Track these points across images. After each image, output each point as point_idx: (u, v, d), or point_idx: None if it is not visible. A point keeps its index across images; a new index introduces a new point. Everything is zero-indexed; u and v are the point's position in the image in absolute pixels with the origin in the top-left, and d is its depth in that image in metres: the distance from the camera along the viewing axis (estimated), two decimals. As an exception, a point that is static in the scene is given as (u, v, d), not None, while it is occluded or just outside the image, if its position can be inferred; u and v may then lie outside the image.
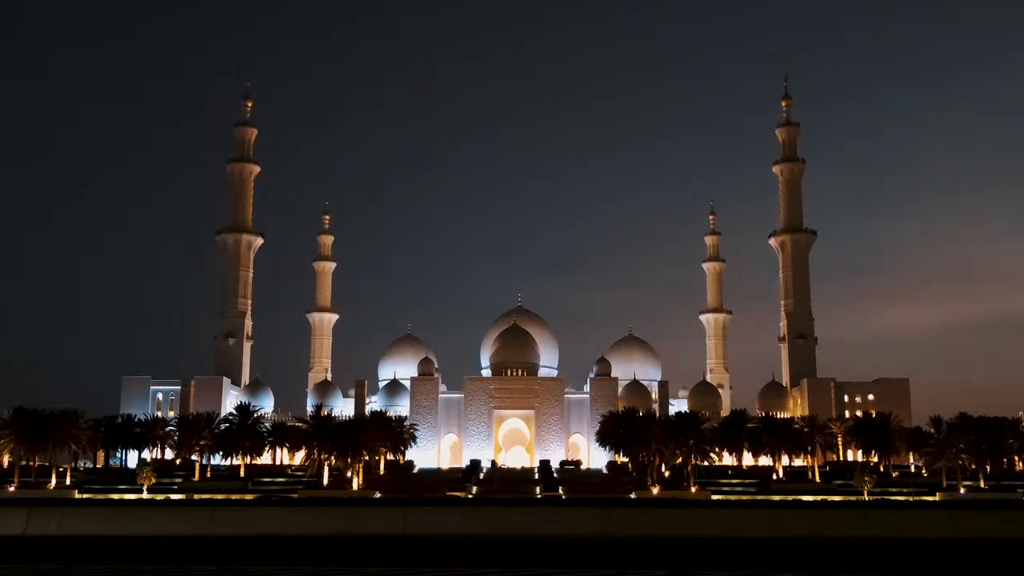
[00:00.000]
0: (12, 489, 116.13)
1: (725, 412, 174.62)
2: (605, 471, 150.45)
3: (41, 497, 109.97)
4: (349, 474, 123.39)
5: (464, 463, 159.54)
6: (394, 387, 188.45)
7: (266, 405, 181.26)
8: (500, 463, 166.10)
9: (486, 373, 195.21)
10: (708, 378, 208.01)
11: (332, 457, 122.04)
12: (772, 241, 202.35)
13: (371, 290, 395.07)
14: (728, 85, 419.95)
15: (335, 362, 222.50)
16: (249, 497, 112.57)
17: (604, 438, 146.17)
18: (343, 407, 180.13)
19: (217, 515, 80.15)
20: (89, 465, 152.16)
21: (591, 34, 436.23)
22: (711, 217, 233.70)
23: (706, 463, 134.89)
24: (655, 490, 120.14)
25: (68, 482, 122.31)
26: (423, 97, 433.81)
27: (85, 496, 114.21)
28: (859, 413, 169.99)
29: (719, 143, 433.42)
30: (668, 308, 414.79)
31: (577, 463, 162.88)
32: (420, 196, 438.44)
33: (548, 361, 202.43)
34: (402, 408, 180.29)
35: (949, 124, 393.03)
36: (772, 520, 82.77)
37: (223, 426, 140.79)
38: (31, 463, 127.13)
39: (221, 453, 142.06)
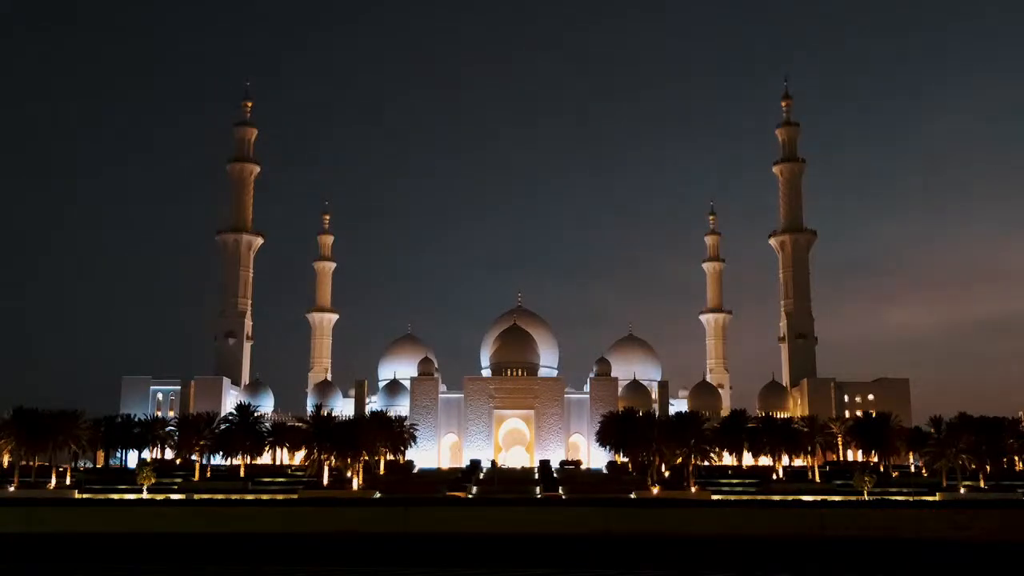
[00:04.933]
0: (12, 489, 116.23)
1: (725, 412, 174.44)
2: (605, 471, 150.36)
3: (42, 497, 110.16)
4: (349, 474, 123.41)
5: (464, 463, 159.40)
6: (394, 387, 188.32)
7: (266, 405, 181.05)
8: (500, 463, 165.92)
9: (486, 373, 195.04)
10: (708, 378, 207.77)
11: (332, 457, 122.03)
12: (772, 241, 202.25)
13: (371, 290, 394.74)
14: (728, 85, 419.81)
15: (335, 362, 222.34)
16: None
17: (604, 438, 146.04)
18: (343, 407, 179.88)
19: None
20: (89, 465, 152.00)
21: (591, 36, 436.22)
22: (711, 217, 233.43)
23: (706, 463, 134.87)
24: (655, 490, 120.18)
25: (68, 482, 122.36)
26: (424, 97, 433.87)
27: (85, 496, 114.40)
28: (859, 413, 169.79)
29: (719, 143, 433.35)
30: (668, 308, 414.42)
31: (577, 463, 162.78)
32: (420, 196, 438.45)
33: (548, 361, 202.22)
34: (402, 408, 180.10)
35: (949, 124, 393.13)
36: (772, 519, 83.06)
37: (223, 426, 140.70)
38: (31, 463, 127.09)
39: (221, 453, 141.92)
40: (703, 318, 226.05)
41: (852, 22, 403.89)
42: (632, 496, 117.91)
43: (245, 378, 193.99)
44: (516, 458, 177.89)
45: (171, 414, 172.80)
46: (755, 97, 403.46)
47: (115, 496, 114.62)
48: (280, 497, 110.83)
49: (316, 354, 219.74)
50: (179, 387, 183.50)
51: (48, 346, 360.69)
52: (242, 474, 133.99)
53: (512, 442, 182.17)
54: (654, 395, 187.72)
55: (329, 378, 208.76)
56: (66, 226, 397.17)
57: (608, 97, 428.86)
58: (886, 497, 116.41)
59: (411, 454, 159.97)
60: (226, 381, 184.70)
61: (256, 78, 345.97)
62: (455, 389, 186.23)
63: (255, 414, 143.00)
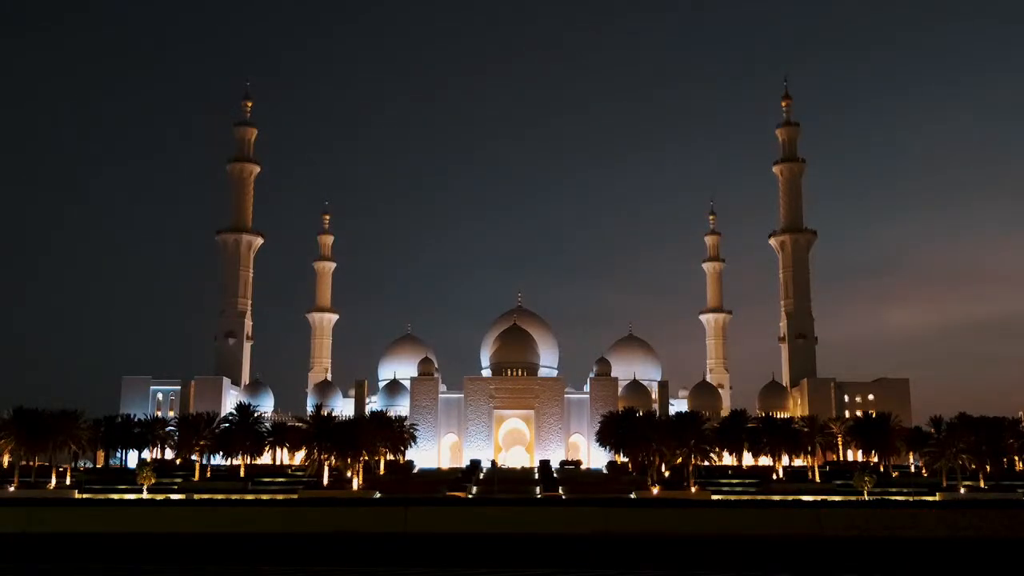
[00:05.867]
0: (12, 489, 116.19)
1: (725, 412, 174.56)
2: (605, 471, 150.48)
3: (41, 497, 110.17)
4: (349, 474, 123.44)
5: (464, 463, 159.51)
6: (394, 387, 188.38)
7: (266, 405, 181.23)
8: (500, 463, 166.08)
9: (486, 373, 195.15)
10: (708, 378, 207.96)
11: (332, 457, 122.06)
12: (772, 241, 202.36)
13: (371, 290, 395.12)
14: (728, 85, 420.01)
15: (335, 362, 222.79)
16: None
17: (604, 438, 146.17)
18: (343, 407, 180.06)
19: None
20: (89, 465, 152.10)
21: (591, 36, 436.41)
22: (711, 217, 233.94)
23: (706, 463, 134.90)
24: (655, 490, 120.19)
25: (68, 482, 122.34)
26: (424, 97, 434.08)
27: (85, 496, 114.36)
28: (859, 413, 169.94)
29: (719, 143, 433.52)
30: (668, 308, 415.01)
31: (577, 463, 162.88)
32: (420, 196, 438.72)
33: (548, 361, 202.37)
34: (402, 408, 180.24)
35: (950, 124, 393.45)
36: (772, 519, 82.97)
37: (223, 426, 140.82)
38: (31, 463, 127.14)
39: (221, 453, 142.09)
40: (703, 318, 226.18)
41: (852, 22, 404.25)
42: (632, 496, 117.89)
43: (245, 378, 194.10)
44: (516, 458, 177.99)
45: (171, 414, 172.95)
46: (755, 97, 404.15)
47: (115, 496, 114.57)
48: (280, 497, 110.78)
49: (316, 354, 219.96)
50: (179, 387, 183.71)
51: (48, 346, 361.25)
52: (242, 474, 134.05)
53: (512, 442, 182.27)
54: (654, 395, 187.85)
55: (329, 378, 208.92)
56: (66, 226, 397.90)
57: (608, 97, 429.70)
58: (886, 497, 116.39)
59: (411, 454, 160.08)
60: (226, 381, 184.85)
61: (256, 78, 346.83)
62: (455, 389, 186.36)
63: (255, 414, 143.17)
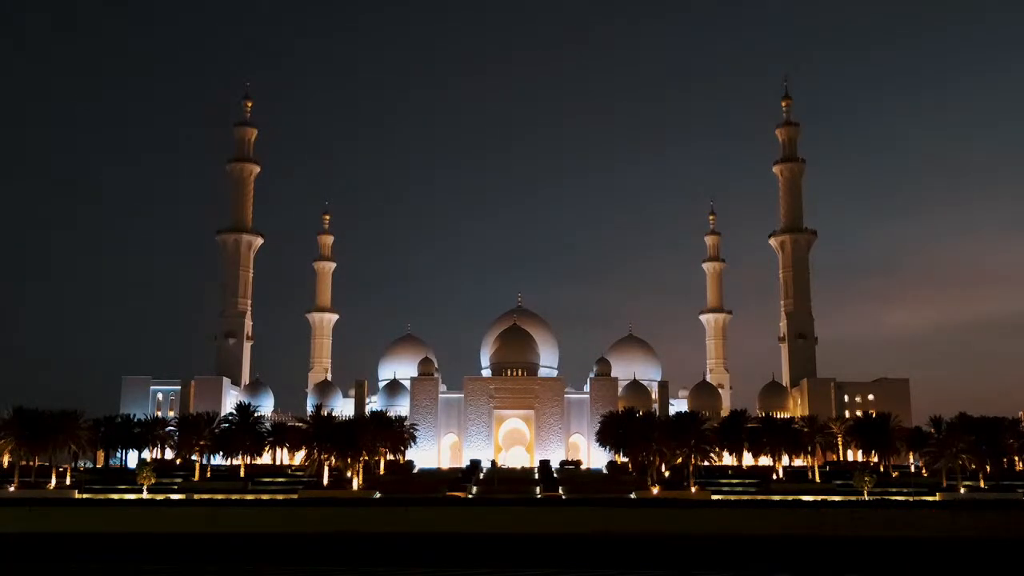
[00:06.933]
0: (12, 489, 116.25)
1: (725, 412, 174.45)
2: (605, 471, 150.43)
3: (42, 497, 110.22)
4: (349, 474, 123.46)
5: (464, 463, 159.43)
6: (394, 387, 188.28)
7: (266, 405, 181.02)
8: (500, 463, 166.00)
9: (486, 373, 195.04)
10: (708, 378, 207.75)
11: (332, 457, 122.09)
12: (772, 241, 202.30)
13: (371, 290, 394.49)
14: (728, 85, 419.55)
15: (335, 362, 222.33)
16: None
17: (604, 438, 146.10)
18: (343, 407, 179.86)
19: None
20: (89, 465, 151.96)
21: (591, 36, 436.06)
22: (711, 217, 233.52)
23: (706, 463, 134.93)
24: (655, 490, 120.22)
25: (68, 482, 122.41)
26: (425, 97, 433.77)
27: (85, 496, 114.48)
28: (859, 413, 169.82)
29: (719, 143, 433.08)
30: (668, 308, 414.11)
31: (577, 463, 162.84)
32: (420, 196, 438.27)
33: (548, 361, 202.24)
34: (402, 408, 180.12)
35: (950, 125, 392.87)
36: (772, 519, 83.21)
37: (223, 426, 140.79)
38: (31, 463, 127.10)
39: (221, 453, 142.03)
40: (703, 318, 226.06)
41: (852, 22, 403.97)
42: (632, 496, 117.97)
43: (245, 378, 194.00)
44: (516, 458, 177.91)
45: (171, 414, 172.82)
46: (755, 97, 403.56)
47: (115, 496, 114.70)
48: (280, 497, 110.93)
49: (316, 354, 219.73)
50: (179, 387, 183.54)
51: (48, 346, 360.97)
52: (242, 474, 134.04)
53: (512, 442, 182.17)
54: (654, 395, 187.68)
55: (329, 378, 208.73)
56: (67, 226, 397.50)
57: (609, 97, 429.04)
58: (886, 497, 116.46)
59: (411, 454, 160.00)
60: (226, 381, 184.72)
61: (256, 78, 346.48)
62: (455, 389, 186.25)
63: (255, 414, 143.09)
